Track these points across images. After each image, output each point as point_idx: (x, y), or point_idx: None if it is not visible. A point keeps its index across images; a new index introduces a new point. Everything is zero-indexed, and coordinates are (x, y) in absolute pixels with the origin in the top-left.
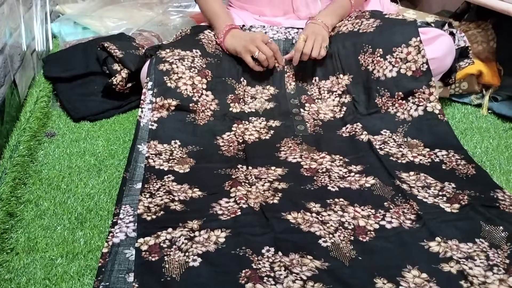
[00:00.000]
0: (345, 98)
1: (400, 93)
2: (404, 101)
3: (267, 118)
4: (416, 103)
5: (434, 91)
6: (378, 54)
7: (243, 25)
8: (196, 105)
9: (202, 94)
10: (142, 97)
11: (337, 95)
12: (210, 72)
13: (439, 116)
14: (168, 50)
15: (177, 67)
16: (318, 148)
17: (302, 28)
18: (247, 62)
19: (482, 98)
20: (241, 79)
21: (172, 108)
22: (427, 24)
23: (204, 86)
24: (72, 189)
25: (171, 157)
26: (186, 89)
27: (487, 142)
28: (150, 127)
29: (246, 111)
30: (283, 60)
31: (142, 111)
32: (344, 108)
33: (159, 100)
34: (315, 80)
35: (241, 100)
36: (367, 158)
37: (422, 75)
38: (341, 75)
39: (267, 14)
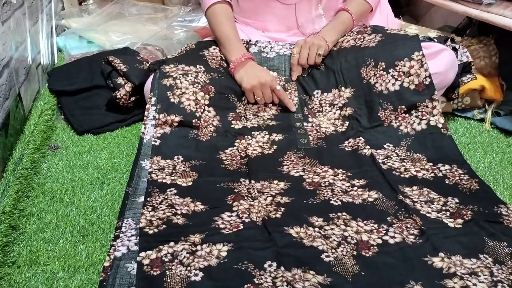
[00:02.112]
0: (346, 111)
1: (403, 106)
2: (407, 115)
3: (270, 132)
4: (419, 116)
5: (437, 105)
6: (381, 68)
7: (250, 40)
8: (199, 121)
9: (204, 110)
10: (146, 113)
11: (338, 108)
12: (213, 88)
13: (442, 130)
14: (172, 65)
15: (181, 82)
16: (321, 161)
17: None
18: (247, 98)
19: (485, 112)
20: (243, 98)
21: (175, 124)
22: (429, 39)
23: (207, 102)
24: (74, 202)
25: (174, 171)
26: (190, 105)
27: (490, 156)
28: (153, 143)
29: (249, 126)
30: (294, 107)
31: (145, 127)
32: (346, 123)
33: (162, 116)
34: (317, 93)
35: (242, 117)
36: (370, 173)
37: (425, 89)
38: (343, 88)
39: (271, 29)
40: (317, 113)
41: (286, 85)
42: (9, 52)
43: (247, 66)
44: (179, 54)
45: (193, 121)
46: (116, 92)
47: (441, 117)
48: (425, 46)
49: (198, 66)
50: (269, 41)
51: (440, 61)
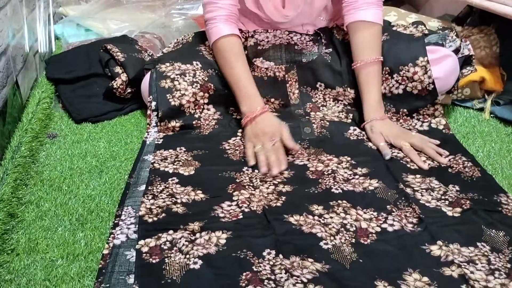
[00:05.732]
0: (350, 107)
1: (405, 110)
2: (408, 117)
3: None
4: (421, 119)
5: (439, 107)
6: (386, 72)
7: (248, 31)
8: (199, 121)
9: (203, 109)
10: (148, 120)
11: (342, 104)
12: (212, 85)
13: (443, 131)
14: (168, 64)
15: (179, 83)
16: (326, 150)
17: (305, 34)
18: (246, 155)
19: (484, 102)
20: None
21: (177, 129)
22: (436, 43)
23: (206, 101)
24: (73, 190)
25: (176, 159)
26: (189, 107)
27: (489, 146)
28: (156, 142)
29: None
30: (297, 147)
31: (148, 134)
32: (350, 115)
33: (163, 124)
34: (320, 86)
35: None
36: (374, 162)
37: (427, 94)
38: (348, 89)
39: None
40: (321, 107)
41: (286, 75)
42: (6, 40)
43: (260, 118)
44: (175, 46)
45: (193, 122)
46: (113, 82)
47: (443, 118)
48: (431, 50)
49: (194, 63)
50: (266, 30)
51: (442, 67)
